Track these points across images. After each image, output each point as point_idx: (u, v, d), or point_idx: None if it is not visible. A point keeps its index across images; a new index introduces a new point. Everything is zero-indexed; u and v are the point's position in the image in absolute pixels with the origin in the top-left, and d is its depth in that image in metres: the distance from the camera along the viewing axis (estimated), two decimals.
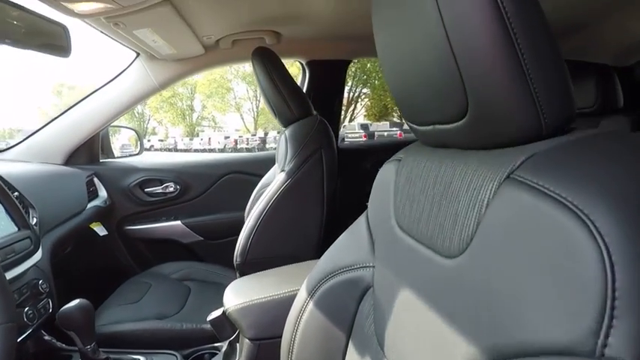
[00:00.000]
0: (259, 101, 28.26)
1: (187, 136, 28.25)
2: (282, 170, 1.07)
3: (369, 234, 0.63)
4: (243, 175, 1.72)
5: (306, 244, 1.08)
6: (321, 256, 0.68)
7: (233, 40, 1.40)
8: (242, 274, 1.08)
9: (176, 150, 24.69)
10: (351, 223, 0.67)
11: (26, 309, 0.89)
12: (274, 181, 1.07)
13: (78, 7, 0.85)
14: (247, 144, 21.45)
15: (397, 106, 0.52)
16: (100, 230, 1.48)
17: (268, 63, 1.16)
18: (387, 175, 0.59)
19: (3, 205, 0.96)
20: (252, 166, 1.73)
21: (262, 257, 1.08)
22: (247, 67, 26.19)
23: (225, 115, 30.91)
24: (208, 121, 32.07)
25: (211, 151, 22.34)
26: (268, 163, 1.58)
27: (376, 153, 1.76)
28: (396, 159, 0.58)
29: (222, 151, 21.73)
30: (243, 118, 29.55)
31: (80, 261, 1.45)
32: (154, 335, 1.12)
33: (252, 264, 1.06)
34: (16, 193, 1.03)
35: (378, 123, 19.64)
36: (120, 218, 1.61)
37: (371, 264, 0.61)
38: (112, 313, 1.15)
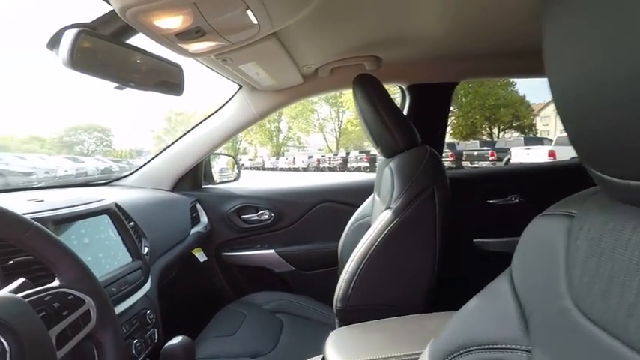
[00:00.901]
0: (341, 122, 28.76)
1: (274, 155, 29.90)
2: (388, 208, 0.96)
3: (518, 304, 0.48)
4: (337, 204, 1.66)
5: (413, 292, 0.95)
6: (430, 307, 0.55)
7: (332, 67, 1.36)
8: (341, 320, 0.99)
9: (264, 169, 26.22)
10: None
11: (135, 341, 0.90)
12: (379, 219, 0.97)
13: (192, 48, 0.87)
14: (329, 163, 21.83)
15: (577, 145, 0.39)
16: (201, 256, 1.53)
17: (371, 90, 1.08)
18: (549, 233, 0.45)
19: (121, 235, 1.01)
20: (346, 195, 1.66)
21: (364, 304, 0.97)
22: None
23: (309, 136, 32.10)
24: (293, 142, 33.62)
25: (295, 170, 23.21)
26: (363, 192, 1.49)
27: (484, 182, 1.56)
28: (566, 214, 0.44)
29: (305, 170, 22.42)
30: (325, 139, 30.34)
31: (181, 286, 1.50)
32: None
33: (353, 311, 0.96)
34: (131, 223, 1.08)
35: (466, 142, 18.54)
36: (218, 244, 1.66)
37: (523, 346, 0.47)
38: (209, 346, 1.14)
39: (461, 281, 1.14)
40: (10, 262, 0.71)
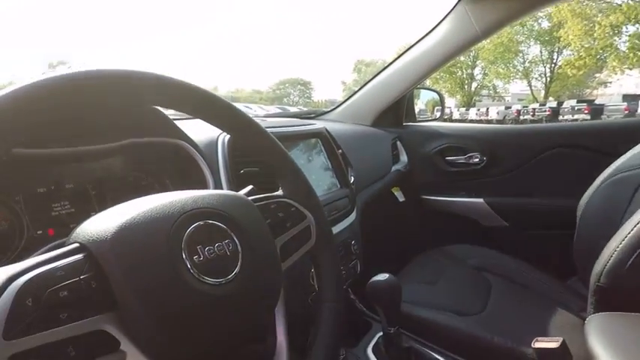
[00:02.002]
0: (555, 64, 23.52)
1: (463, 106, 27.39)
2: None
3: None
4: (579, 150, 1.25)
5: None
6: None
7: None
8: (601, 303, 0.71)
9: (451, 120, 24.46)
10: None
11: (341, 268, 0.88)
12: None
13: None
14: (533, 115, 18.55)
15: None
16: (399, 196, 1.43)
17: None
18: None
19: (330, 161, 0.98)
20: (595, 140, 1.23)
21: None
22: (544, 24, 22.06)
23: (509, 84, 27.76)
24: (488, 90, 29.88)
25: (488, 122, 20.72)
26: (625, 136, 1.04)
27: None
28: None
29: (500, 122, 19.75)
30: (530, 85, 25.66)
31: (379, 223, 1.45)
32: (451, 334, 0.93)
33: (627, 293, 0.66)
34: (340, 151, 1.04)
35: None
36: (418, 186, 1.52)
37: None
38: (411, 291, 1.04)
39: None
40: (241, 171, 0.74)
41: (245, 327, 0.40)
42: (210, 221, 0.39)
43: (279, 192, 0.54)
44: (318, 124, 1.03)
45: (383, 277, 0.79)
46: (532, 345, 0.68)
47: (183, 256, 0.35)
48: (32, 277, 0.29)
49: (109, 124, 0.59)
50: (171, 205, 0.37)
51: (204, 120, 0.47)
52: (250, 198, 0.47)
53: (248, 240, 0.41)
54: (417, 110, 1.79)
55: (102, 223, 0.34)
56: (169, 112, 0.69)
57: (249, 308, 0.40)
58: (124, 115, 0.60)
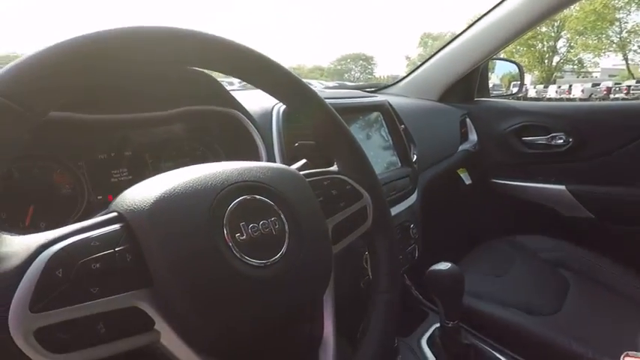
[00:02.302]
0: None
1: (541, 83, 24.88)
2: None
3: None
4: None
5: None
6: None
7: None
8: None
9: (525, 98, 22.35)
10: None
11: None
12: None
13: None
14: (627, 93, 16.31)
15: None
16: (466, 178, 1.31)
17: None
18: None
19: (392, 137, 0.90)
20: None
21: None
22: None
23: (599, 57, 24.59)
24: (572, 65, 26.78)
25: (570, 101, 18.64)
26: None
27: None
28: None
29: (584, 101, 17.68)
30: (627, 59, 22.51)
31: (442, 207, 1.35)
32: (518, 334, 0.84)
33: None
34: (402, 126, 0.96)
35: None
36: (487, 167, 1.38)
37: None
38: (474, 282, 0.96)
39: None
40: (296, 144, 0.70)
41: (288, 313, 0.36)
42: (257, 196, 0.35)
43: (334, 167, 0.49)
44: (379, 98, 0.96)
45: (445, 265, 0.72)
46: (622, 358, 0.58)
47: (225, 232, 0.32)
48: (65, 247, 0.27)
49: (165, 92, 0.57)
50: (215, 176, 0.34)
51: (259, 86, 0.42)
52: (302, 173, 0.43)
53: (297, 219, 0.37)
54: (490, 85, 1.61)
55: (142, 192, 0.31)
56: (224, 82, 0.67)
57: (293, 293, 0.36)
58: (180, 83, 0.59)
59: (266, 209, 0.35)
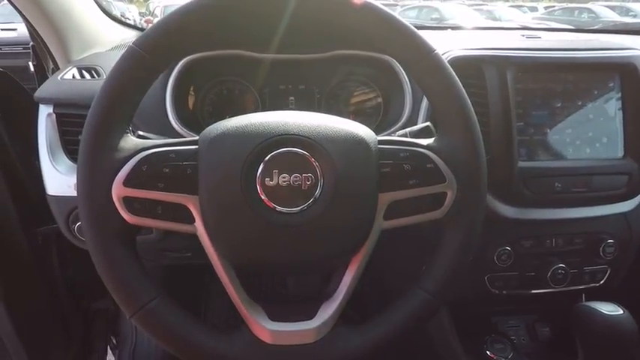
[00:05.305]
0: None
1: None
2: None
3: None
4: None
5: None
6: None
7: None
8: None
9: None
10: None
11: (557, 269, 0.64)
12: None
13: None
14: None
15: None
16: None
17: None
18: None
19: (625, 114, 0.63)
20: None
21: None
22: None
23: None
24: None
25: None
26: None
27: None
28: None
29: None
30: None
31: None
32: None
33: None
34: None
35: None
36: None
37: None
38: None
39: None
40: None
41: (295, 267, 0.43)
42: (299, 150, 0.38)
43: (428, 140, 0.43)
44: (628, 53, 0.64)
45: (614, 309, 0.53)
46: None
47: (257, 173, 0.38)
48: (154, 152, 0.38)
49: (323, 37, 0.61)
50: (267, 125, 0.39)
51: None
52: (380, 138, 0.41)
53: (334, 180, 0.38)
54: None
55: (217, 127, 0.40)
56: None
57: (305, 251, 0.40)
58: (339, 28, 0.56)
59: (302, 163, 0.38)
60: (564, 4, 10.36)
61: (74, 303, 0.90)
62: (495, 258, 0.63)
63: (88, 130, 0.38)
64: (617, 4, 9.64)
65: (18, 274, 0.76)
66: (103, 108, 0.38)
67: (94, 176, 0.38)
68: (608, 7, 8.89)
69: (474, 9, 8.68)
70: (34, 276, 0.80)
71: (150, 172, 0.38)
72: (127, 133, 0.40)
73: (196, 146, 0.39)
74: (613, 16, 8.14)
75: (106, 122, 0.38)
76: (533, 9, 10.87)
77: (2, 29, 3.29)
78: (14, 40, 3.17)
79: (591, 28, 1.44)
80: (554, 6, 11.04)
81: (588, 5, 9.15)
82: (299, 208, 0.38)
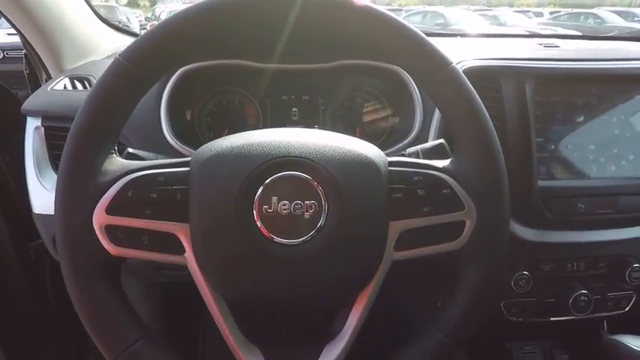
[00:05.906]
0: None
1: None
2: None
3: None
4: None
5: None
6: None
7: None
8: None
9: None
10: None
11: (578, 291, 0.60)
12: None
13: None
14: None
15: None
16: None
17: None
18: None
19: None
20: None
21: None
22: None
23: None
24: None
25: None
26: None
27: None
28: None
29: None
30: None
31: None
32: None
33: None
34: None
35: None
36: None
37: None
38: None
39: None
40: None
41: (295, 305, 0.40)
42: (301, 174, 0.34)
43: (444, 162, 0.38)
44: None
45: None
46: None
47: (254, 200, 0.34)
48: (140, 175, 0.35)
49: (328, 46, 0.59)
50: (265, 145, 0.35)
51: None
52: (391, 159, 0.37)
53: (339, 207, 0.34)
54: None
55: (211, 147, 0.36)
56: None
57: (307, 286, 0.36)
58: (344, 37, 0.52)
59: (305, 189, 0.34)
60: (570, 9, 10.30)
61: (67, 319, 0.86)
62: (512, 283, 0.59)
63: (67, 152, 0.34)
64: (623, 9, 9.59)
65: (7, 291, 0.73)
66: (83, 127, 0.34)
67: (73, 203, 0.34)
68: (614, 12, 8.84)
69: (479, 14, 8.65)
70: (25, 292, 0.77)
71: (136, 197, 0.34)
72: (112, 153, 0.36)
73: (188, 168, 0.35)
74: (619, 21, 8.10)
75: (87, 142, 0.34)
76: (539, 14, 10.81)
77: (8, 34, 3.30)
78: (20, 44, 3.17)
79: (607, 35, 1.40)
80: (559, 11, 10.98)
81: (594, 10, 9.10)
82: (301, 239, 0.34)
